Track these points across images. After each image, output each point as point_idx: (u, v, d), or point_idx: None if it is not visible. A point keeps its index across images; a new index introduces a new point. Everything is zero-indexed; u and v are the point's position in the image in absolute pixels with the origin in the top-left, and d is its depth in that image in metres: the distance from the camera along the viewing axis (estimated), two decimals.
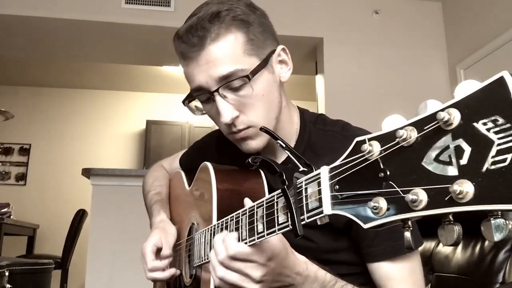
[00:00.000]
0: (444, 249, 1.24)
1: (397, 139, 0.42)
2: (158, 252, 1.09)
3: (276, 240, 0.75)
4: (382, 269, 0.91)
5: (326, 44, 4.28)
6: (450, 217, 0.40)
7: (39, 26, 4.14)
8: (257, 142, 0.98)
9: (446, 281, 1.19)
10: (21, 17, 3.97)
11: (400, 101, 4.12)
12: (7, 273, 1.67)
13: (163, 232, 1.11)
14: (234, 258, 0.75)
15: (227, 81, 0.90)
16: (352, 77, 4.24)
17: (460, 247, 1.19)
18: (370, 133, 1.00)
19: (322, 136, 1.03)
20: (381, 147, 0.45)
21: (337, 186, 0.52)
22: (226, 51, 0.90)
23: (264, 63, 0.94)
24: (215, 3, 0.95)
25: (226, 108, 0.92)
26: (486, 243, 1.12)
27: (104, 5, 4.04)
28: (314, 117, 1.09)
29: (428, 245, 1.29)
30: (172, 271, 1.10)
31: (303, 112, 1.10)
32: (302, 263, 0.80)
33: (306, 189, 0.59)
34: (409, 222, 0.44)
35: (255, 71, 0.91)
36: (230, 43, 0.91)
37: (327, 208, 0.53)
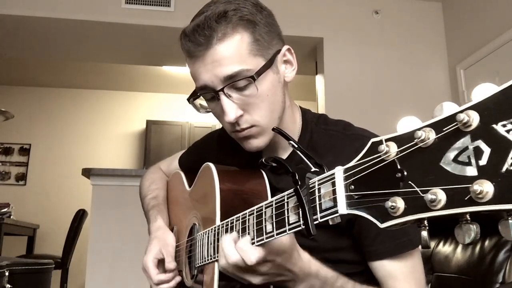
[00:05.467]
0: (444, 249, 1.25)
1: (415, 140, 0.43)
2: (159, 263, 1.10)
3: (286, 237, 0.76)
4: (385, 267, 0.92)
5: (326, 44, 4.29)
6: (467, 216, 0.41)
7: (39, 26, 4.13)
8: (259, 141, 0.99)
9: (446, 281, 1.19)
10: (21, 17, 3.96)
11: (400, 101, 4.13)
12: (7, 273, 1.67)
13: (162, 242, 1.12)
14: (255, 265, 0.75)
15: (232, 81, 0.91)
16: (352, 77, 4.25)
17: (460, 247, 1.19)
18: (372, 133, 1.01)
19: (324, 136, 1.04)
20: (398, 147, 0.46)
21: (352, 186, 0.52)
22: (232, 51, 0.91)
23: (269, 64, 0.95)
24: (222, 2, 0.95)
25: (231, 107, 0.93)
26: (486, 243, 1.13)
27: (104, 5, 4.04)
28: (316, 117, 1.10)
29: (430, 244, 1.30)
30: (177, 279, 1.10)
31: (305, 112, 1.11)
32: (306, 262, 0.81)
33: (319, 189, 0.60)
34: (425, 222, 0.45)
35: (260, 72, 0.92)
36: (236, 43, 0.91)
37: (342, 208, 0.54)
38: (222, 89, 0.92)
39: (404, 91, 4.22)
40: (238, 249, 0.77)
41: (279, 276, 0.79)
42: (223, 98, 0.93)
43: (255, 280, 0.77)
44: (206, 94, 0.97)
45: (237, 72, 0.91)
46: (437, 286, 1.21)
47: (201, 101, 1.03)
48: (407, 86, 4.25)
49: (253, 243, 0.76)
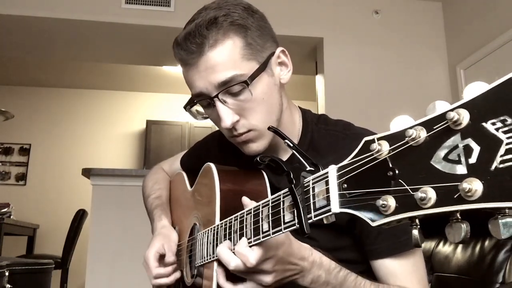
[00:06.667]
0: (444, 249, 1.25)
1: (406, 139, 0.43)
2: (161, 258, 1.10)
3: None
4: (386, 266, 0.93)
5: (326, 44, 4.29)
6: (458, 215, 0.41)
7: (39, 26, 4.13)
8: (258, 145, 0.99)
9: (446, 281, 1.19)
10: (21, 17, 3.97)
11: (400, 101, 4.13)
12: (7, 273, 1.67)
13: (165, 238, 1.12)
14: (256, 265, 0.76)
15: (226, 87, 0.91)
16: (352, 77, 4.25)
17: (460, 247, 1.19)
18: (372, 132, 1.02)
19: (324, 136, 1.04)
20: (390, 146, 0.46)
21: (345, 185, 0.53)
22: (225, 57, 0.91)
23: (263, 67, 0.95)
24: (212, 8, 0.96)
25: (226, 113, 0.93)
26: (486, 243, 1.13)
27: (104, 5, 4.05)
28: (316, 117, 1.10)
29: (428, 245, 1.30)
30: (176, 275, 1.11)
31: (305, 112, 1.11)
32: (307, 249, 0.82)
33: (313, 188, 0.60)
34: (417, 220, 0.45)
35: (253, 76, 0.92)
36: (228, 49, 0.91)
37: (335, 207, 0.54)
38: (216, 95, 0.92)
39: (404, 91, 4.22)
40: (237, 253, 0.78)
41: (287, 272, 0.80)
42: (218, 104, 0.93)
43: (267, 279, 0.78)
44: (202, 101, 0.98)
45: (230, 78, 0.91)
46: (437, 286, 1.21)
47: (197, 107, 1.03)
48: (407, 86, 4.25)
49: (249, 243, 0.77)
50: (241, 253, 0.77)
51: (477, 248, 1.14)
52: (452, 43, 4.34)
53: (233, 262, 0.78)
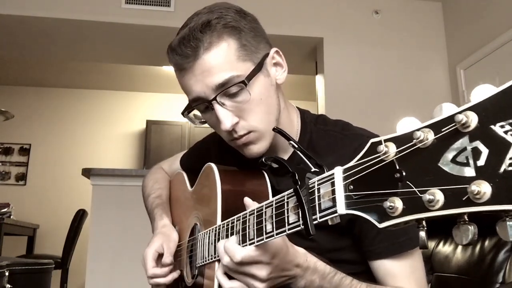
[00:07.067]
0: (444, 249, 1.25)
1: (414, 141, 0.43)
2: (159, 257, 1.10)
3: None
4: (385, 267, 0.93)
5: (326, 44, 4.29)
6: (465, 217, 0.41)
7: (39, 26, 4.14)
8: (259, 147, 0.99)
9: (446, 281, 1.20)
10: (21, 17, 3.97)
11: (400, 101, 4.14)
12: (7, 273, 1.67)
13: (165, 237, 1.12)
14: (241, 263, 0.77)
15: (224, 89, 0.91)
16: (352, 77, 4.25)
17: (460, 247, 1.20)
18: (371, 132, 1.01)
19: (323, 136, 1.04)
20: (397, 148, 0.46)
21: (351, 186, 0.53)
22: (220, 59, 0.91)
23: (259, 67, 0.95)
24: (204, 12, 0.96)
25: (226, 115, 0.93)
26: (486, 243, 1.13)
27: (105, 5, 4.05)
28: (315, 117, 1.10)
29: (428, 245, 1.30)
30: (174, 275, 1.11)
31: (303, 113, 1.11)
32: (302, 255, 0.82)
33: (318, 189, 0.60)
34: (424, 222, 0.45)
35: (250, 76, 0.92)
36: (223, 51, 0.91)
37: (341, 208, 0.54)
38: (214, 98, 0.92)
39: (404, 91, 4.22)
40: (225, 249, 0.80)
41: (280, 278, 0.81)
42: (217, 107, 0.93)
43: (260, 286, 0.79)
44: (200, 106, 0.97)
45: (227, 79, 0.90)
46: (437, 286, 1.22)
47: (195, 112, 1.03)
48: (407, 86, 4.25)
49: (252, 243, 0.77)
50: (229, 248, 0.79)
51: (477, 248, 1.14)
52: (452, 43, 4.34)
53: (225, 257, 0.80)
